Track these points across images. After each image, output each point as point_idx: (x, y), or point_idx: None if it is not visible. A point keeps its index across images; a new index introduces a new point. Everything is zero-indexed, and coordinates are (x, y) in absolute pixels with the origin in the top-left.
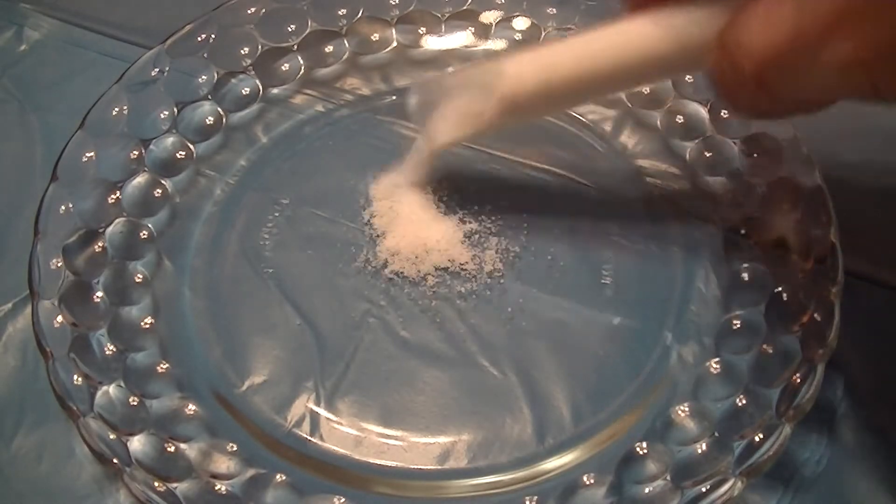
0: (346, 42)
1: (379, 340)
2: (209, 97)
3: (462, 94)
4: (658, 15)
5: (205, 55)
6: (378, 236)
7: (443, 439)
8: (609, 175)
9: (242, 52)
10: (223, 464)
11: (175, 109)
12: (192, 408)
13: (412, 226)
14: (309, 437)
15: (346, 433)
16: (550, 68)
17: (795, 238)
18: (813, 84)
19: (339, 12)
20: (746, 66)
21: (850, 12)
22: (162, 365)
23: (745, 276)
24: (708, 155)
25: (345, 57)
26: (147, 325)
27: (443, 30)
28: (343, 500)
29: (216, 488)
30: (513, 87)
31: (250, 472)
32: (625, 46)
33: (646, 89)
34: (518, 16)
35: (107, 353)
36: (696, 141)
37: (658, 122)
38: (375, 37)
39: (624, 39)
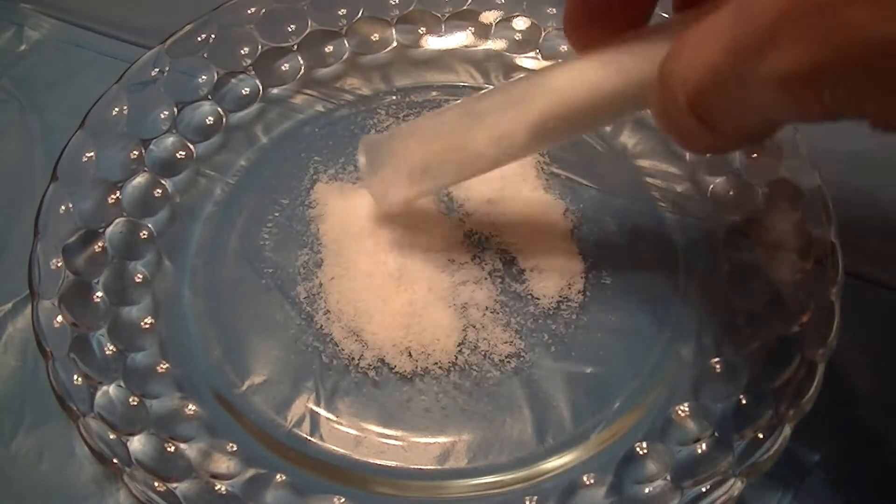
0: (346, 42)
1: None
2: (209, 97)
3: (425, 145)
4: (603, 53)
5: (205, 55)
6: None
7: (443, 439)
8: (609, 175)
9: (242, 52)
10: (223, 464)
11: (175, 109)
12: (192, 408)
13: None
14: (309, 437)
15: (346, 433)
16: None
17: (795, 238)
18: (751, 108)
19: (339, 12)
20: (680, 95)
21: (796, 14)
22: (162, 365)
23: (745, 276)
24: (708, 155)
25: (345, 57)
26: (147, 325)
27: (443, 30)
28: (343, 500)
29: (216, 488)
30: (551, 107)
31: (250, 472)
32: (572, 88)
33: None
34: (518, 16)
35: (107, 353)
36: None
37: None
38: (375, 37)
39: (569, 81)
